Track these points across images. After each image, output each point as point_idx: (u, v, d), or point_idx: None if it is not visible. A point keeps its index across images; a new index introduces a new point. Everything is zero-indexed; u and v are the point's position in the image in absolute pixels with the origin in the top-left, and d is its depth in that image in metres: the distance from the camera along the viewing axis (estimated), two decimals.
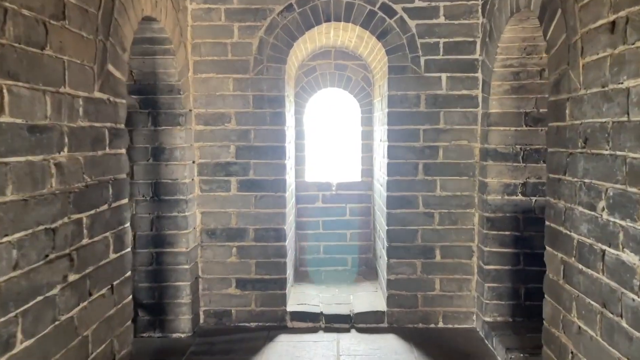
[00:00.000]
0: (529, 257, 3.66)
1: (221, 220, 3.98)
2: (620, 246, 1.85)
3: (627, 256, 1.81)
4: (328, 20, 3.88)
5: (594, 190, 2.06)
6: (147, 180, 3.74)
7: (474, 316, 3.98)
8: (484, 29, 3.77)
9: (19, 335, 1.70)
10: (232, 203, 3.96)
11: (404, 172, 3.94)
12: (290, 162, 4.39)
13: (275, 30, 3.88)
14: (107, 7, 2.35)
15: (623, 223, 1.84)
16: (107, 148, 2.41)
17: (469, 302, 3.97)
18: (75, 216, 2.09)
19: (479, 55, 3.84)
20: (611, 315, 1.92)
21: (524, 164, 3.65)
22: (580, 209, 2.18)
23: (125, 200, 2.63)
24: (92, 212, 2.25)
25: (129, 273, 2.65)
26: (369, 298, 4.34)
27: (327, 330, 3.94)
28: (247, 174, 3.95)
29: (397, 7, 3.83)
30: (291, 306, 4.10)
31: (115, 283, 2.48)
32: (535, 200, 3.65)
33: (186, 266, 3.78)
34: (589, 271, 2.09)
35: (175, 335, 3.80)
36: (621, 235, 1.85)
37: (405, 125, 3.91)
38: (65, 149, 2.01)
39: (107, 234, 2.40)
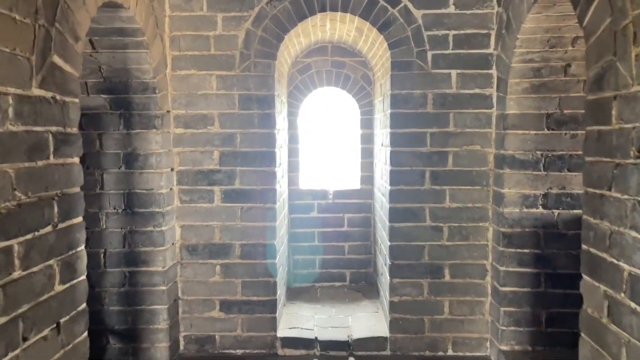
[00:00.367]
0: (551, 278, 3.27)
1: (203, 235, 3.59)
2: None
3: None
4: (323, 10, 3.47)
5: None
6: (119, 191, 3.34)
7: (488, 343, 3.57)
8: (499, 20, 3.35)
9: None
10: (216, 216, 3.57)
11: (408, 181, 3.53)
12: (281, 170, 3.98)
13: (264, 22, 3.47)
14: None
15: None
16: (51, 157, 1.97)
17: (482, 327, 3.56)
18: (1, 244, 1.66)
19: (494, 49, 3.43)
20: None
21: (546, 173, 3.24)
22: (634, 234, 1.76)
23: (79, 219, 2.20)
24: (28, 236, 1.81)
25: (83, 305, 2.22)
26: (370, 321, 3.92)
27: (322, 358, 3.55)
28: (233, 183, 3.56)
29: None
30: (282, 330, 3.69)
31: (62, 320, 2.05)
32: (559, 213, 3.24)
33: (163, 287, 3.38)
34: None
35: None
36: None
37: (410, 128, 3.51)
38: None
39: (51, 261, 1.97)
